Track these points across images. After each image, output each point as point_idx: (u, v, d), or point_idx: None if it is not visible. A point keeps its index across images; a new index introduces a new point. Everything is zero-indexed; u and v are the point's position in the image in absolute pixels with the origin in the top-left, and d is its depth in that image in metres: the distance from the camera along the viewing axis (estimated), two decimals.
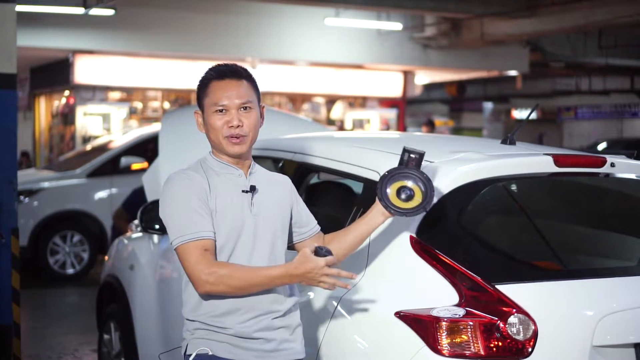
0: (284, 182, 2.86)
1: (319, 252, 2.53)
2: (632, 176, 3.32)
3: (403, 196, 2.72)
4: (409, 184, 2.72)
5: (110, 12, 12.58)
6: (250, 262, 2.66)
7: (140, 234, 4.81)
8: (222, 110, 2.67)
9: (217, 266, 2.56)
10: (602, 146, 18.35)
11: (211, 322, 2.64)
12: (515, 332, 2.65)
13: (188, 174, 2.69)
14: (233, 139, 2.67)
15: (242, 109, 2.68)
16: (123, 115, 15.62)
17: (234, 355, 2.63)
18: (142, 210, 4.56)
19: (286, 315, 2.71)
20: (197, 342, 2.66)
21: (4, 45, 5.22)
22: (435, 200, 2.90)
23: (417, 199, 2.72)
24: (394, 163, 3.17)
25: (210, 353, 2.63)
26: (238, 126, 2.66)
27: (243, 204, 2.69)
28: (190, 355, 2.66)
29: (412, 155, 2.75)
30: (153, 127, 10.71)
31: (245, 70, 2.75)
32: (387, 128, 17.97)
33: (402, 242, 2.89)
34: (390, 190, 2.73)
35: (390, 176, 2.74)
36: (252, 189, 2.71)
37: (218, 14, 14.65)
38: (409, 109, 23.02)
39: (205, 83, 2.72)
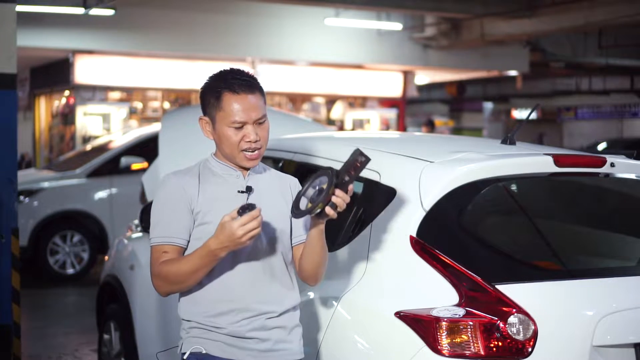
0: (289, 183, 2.83)
1: (243, 210, 2.42)
2: (632, 176, 3.32)
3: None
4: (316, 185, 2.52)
5: (110, 12, 12.59)
6: (247, 262, 2.66)
7: (140, 234, 4.81)
8: (240, 125, 2.66)
9: (160, 266, 2.59)
10: (602, 146, 18.36)
11: (206, 322, 2.64)
12: (515, 332, 2.65)
13: (178, 177, 2.70)
14: (249, 154, 2.67)
15: (257, 123, 2.68)
16: (123, 115, 15.63)
17: (228, 355, 2.64)
18: (142, 211, 4.58)
19: (282, 315, 2.70)
20: (191, 341, 2.67)
21: (4, 45, 5.22)
22: (435, 200, 2.91)
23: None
24: (394, 163, 3.17)
25: (204, 352, 2.64)
26: (256, 141, 2.67)
27: (237, 205, 2.68)
28: (184, 353, 2.67)
29: (359, 159, 2.49)
30: (153, 127, 10.70)
31: (255, 79, 2.72)
32: (387, 128, 17.98)
33: (402, 242, 2.89)
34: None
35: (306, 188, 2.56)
36: (248, 189, 2.71)
37: (218, 14, 14.66)
38: (409, 109, 23.03)
39: (217, 95, 2.67)
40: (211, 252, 2.48)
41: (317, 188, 2.52)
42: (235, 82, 2.66)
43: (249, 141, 2.65)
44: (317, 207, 2.48)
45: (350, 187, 2.52)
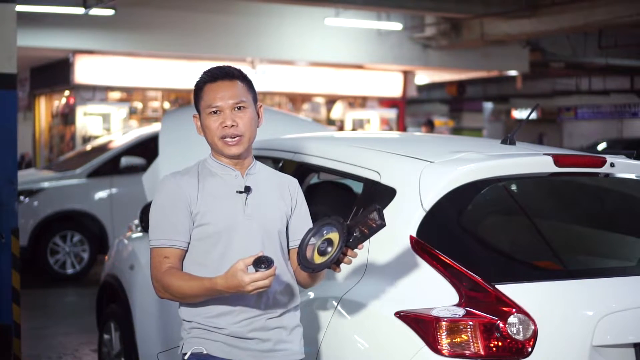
0: (288, 184, 2.82)
1: (258, 263, 2.39)
2: (632, 176, 3.32)
3: (322, 249, 2.50)
4: (327, 236, 2.48)
5: (110, 12, 12.59)
6: None
7: (140, 234, 4.81)
8: (216, 111, 2.68)
9: (163, 275, 2.59)
10: (602, 146, 18.36)
11: (206, 323, 2.64)
12: (515, 332, 2.65)
13: (176, 178, 2.70)
14: (229, 140, 2.67)
15: (236, 109, 2.68)
16: (123, 115, 15.63)
17: (229, 355, 2.63)
18: (142, 210, 4.58)
19: (283, 316, 2.70)
20: (192, 342, 2.66)
21: (4, 45, 5.22)
22: (435, 200, 2.91)
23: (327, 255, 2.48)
24: (394, 163, 3.16)
25: (205, 352, 2.64)
26: (232, 126, 2.66)
27: (236, 205, 2.68)
28: (185, 354, 2.67)
29: (376, 221, 2.43)
30: (153, 127, 10.71)
31: (239, 70, 2.75)
32: (390, 128, 17.97)
33: (402, 242, 2.89)
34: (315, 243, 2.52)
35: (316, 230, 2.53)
36: (247, 189, 2.70)
37: (218, 14, 14.66)
38: (409, 109, 23.02)
39: (199, 87, 2.73)
40: (216, 290, 2.49)
41: (324, 234, 2.50)
42: (215, 71, 2.72)
43: (225, 126, 2.66)
44: (326, 265, 2.47)
45: (361, 245, 2.51)
